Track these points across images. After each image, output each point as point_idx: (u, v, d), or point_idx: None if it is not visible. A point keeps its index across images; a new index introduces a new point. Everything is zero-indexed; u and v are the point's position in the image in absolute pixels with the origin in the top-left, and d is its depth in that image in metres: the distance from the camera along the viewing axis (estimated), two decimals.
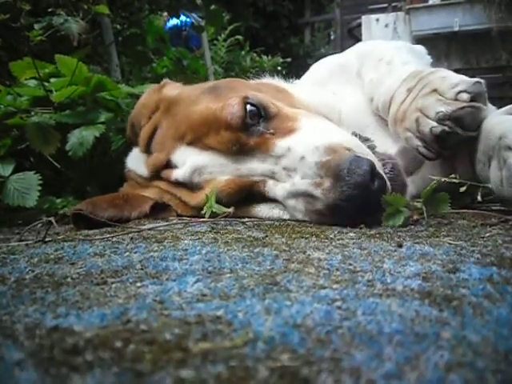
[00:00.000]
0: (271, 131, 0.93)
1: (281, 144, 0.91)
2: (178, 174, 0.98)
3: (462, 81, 0.94)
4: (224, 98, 0.97)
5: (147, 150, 1.06)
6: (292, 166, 0.88)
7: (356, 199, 0.79)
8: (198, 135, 0.96)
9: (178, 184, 0.99)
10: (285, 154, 0.89)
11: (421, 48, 1.36)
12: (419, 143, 0.97)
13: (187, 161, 0.97)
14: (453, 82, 0.95)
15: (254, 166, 0.92)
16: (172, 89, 1.10)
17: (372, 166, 0.81)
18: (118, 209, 0.96)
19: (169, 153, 1.00)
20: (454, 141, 0.93)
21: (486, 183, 0.90)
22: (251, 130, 0.93)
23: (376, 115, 1.16)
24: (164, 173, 1.01)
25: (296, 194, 0.88)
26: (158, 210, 1.00)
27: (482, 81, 0.94)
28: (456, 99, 0.92)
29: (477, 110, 0.92)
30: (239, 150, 0.93)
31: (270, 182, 0.92)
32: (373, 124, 1.17)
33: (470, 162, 0.99)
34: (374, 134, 1.14)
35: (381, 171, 0.85)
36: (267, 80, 1.24)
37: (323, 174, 0.83)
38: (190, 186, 0.98)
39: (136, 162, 1.09)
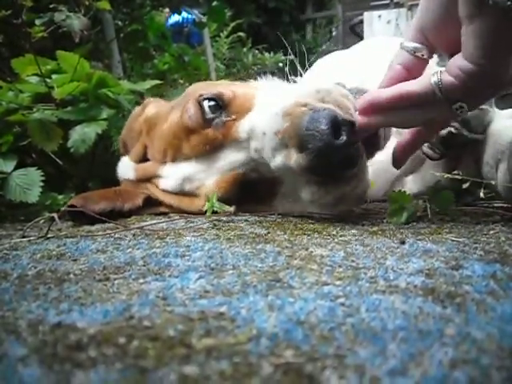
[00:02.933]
0: (233, 117, 0.91)
1: (243, 126, 0.88)
2: (167, 184, 0.98)
3: None
4: (184, 106, 0.96)
5: (138, 162, 1.07)
6: (260, 145, 0.85)
7: (324, 163, 0.76)
8: (176, 149, 0.95)
9: (167, 192, 0.99)
10: (250, 135, 0.87)
11: None
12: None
13: (175, 173, 0.96)
14: None
15: (233, 159, 0.90)
16: (152, 108, 1.11)
17: (331, 119, 0.75)
18: (109, 201, 0.96)
19: (157, 167, 1.00)
20: (459, 142, 0.92)
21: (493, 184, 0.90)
22: (215, 124, 0.92)
23: None
24: (154, 180, 1.01)
25: (281, 170, 0.84)
26: (152, 204, 1.01)
27: None
28: None
29: (483, 112, 0.91)
30: (213, 148, 0.91)
31: (261, 167, 0.88)
32: None
33: (473, 163, 0.99)
34: None
35: (346, 115, 0.78)
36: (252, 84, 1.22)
37: (288, 144, 0.80)
38: (181, 193, 0.97)
39: (125, 169, 1.09)
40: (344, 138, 0.75)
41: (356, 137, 0.78)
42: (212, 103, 0.93)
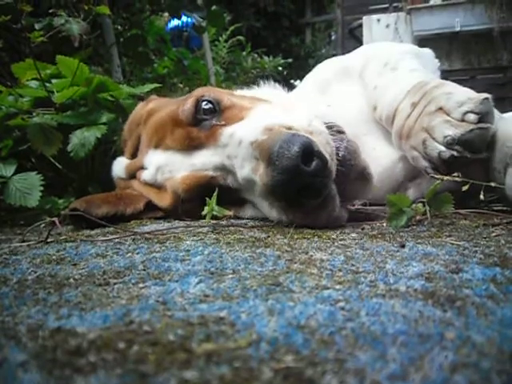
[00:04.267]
0: (223, 123, 0.92)
1: (226, 132, 0.89)
2: (145, 174, 1.02)
3: (469, 98, 0.91)
4: (183, 101, 0.99)
5: (132, 158, 1.10)
6: (233, 152, 0.86)
7: (286, 184, 0.76)
8: (160, 137, 0.99)
9: (147, 184, 1.02)
10: (228, 141, 0.88)
11: (428, 52, 1.33)
12: (427, 164, 0.96)
13: (152, 162, 1.00)
14: (459, 100, 0.92)
15: (207, 160, 0.92)
16: (154, 103, 1.14)
17: (305, 146, 0.75)
18: (112, 205, 0.98)
19: (142, 157, 1.03)
20: (463, 163, 0.91)
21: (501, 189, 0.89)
22: (203, 125, 0.94)
23: (378, 123, 1.15)
24: (138, 173, 1.05)
25: (247, 184, 0.85)
26: (152, 209, 1.02)
27: (489, 96, 0.91)
28: (463, 120, 0.90)
29: (485, 130, 0.89)
30: (192, 145, 0.94)
31: (229, 176, 0.89)
32: (375, 131, 1.16)
33: (481, 168, 0.97)
34: (376, 141, 1.14)
35: (323, 150, 0.78)
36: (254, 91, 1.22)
37: (258, 157, 0.80)
38: (156, 185, 1.00)
39: (119, 167, 1.12)
40: (313, 167, 0.75)
41: (327, 176, 0.78)
42: (209, 106, 0.95)
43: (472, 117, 0.90)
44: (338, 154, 0.83)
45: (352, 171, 0.83)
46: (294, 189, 0.77)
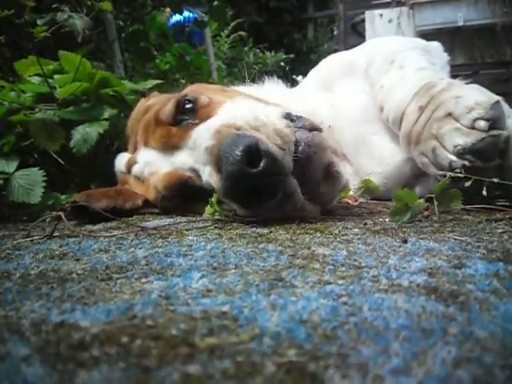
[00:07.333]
0: (197, 122, 0.93)
1: (193, 135, 0.89)
2: (135, 168, 1.04)
3: (478, 103, 0.88)
4: (167, 101, 1.01)
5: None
6: (197, 157, 0.87)
7: (235, 188, 0.75)
8: (147, 136, 1.01)
9: (136, 178, 1.04)
10: (194, 145, 0.88)
11: (437, 46, 1.29)
12: (437, 171, 0.95)
13: (142, 158, 1.02)
14: (468, 106, 0.89)
15: (184, 160, 0.92)
16: (154, 100, 1.15)
17: (249, 146, 0.74)
18: (111, 199, 0.99)
19: (137, 153, 1.06)
20: (474, 171, 0.88)
21: None
22: (182, 124, 0.95)
23: (384, 122, 1.14)
24: (132, 168, 1.07)
25: (210, 186, 0.85)
26: (151, 205, 1.03)
27: (499, 99, 0.89)
28: (473, 127, 0.88)
29: (497, 138, 0.87)
30: (171, 145, 0.95)
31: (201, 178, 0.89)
32: (382, 130, 1.15)
33: (495, 167, 0.96)
34: (384, 140, 1.13)
35: (270, 146, 0.76)
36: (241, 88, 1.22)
37: (210, 162, 0.81)
38: (142, 179, 1.02)
39: (121, 162, 1.14)
40: (260, 167, 0.74)
41: (280, 173, 0.76)
42: (189, 105, 0.96)
43: (482, 124, 0.87)
44: (297, 149, 0.79)
45: (313, 165, 0.80)
46: (244, 191, 0.75)
